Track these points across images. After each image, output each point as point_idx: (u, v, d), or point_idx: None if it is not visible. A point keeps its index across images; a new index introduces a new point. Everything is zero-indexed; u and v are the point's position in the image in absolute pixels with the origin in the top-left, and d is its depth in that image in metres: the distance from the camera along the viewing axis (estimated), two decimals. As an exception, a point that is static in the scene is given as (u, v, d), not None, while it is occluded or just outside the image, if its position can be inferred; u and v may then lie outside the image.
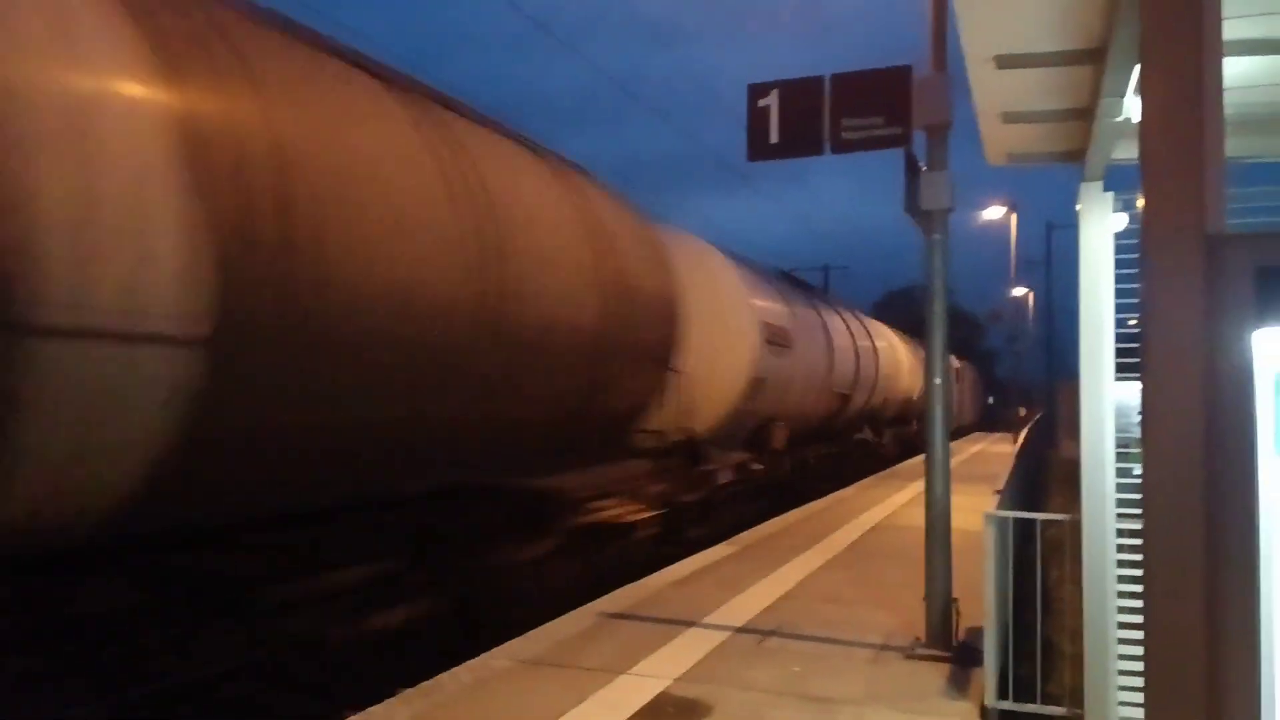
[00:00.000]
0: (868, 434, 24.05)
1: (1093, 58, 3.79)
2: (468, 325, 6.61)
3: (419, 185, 6.31)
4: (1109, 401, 4.80)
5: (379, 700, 5.45)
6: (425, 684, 5.71)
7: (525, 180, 7.94)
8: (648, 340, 9.65)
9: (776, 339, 14.68)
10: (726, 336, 13.35)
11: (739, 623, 7.39)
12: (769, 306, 15.07)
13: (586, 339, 8.32)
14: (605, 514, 9.98)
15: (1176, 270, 2.12)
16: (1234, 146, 4.09)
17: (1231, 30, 3.05)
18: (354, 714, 5.25)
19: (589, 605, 7.83)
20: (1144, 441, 2.22)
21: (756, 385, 13.86)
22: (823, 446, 19.72)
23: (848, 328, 21.09)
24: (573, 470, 9.34)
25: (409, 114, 6.69)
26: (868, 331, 23.65)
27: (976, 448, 33.23)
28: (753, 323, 13.87)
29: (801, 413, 17.00)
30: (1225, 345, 2.06)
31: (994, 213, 35.70)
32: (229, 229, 4.90)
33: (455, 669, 6.00)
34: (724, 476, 13.25)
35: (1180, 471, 2.14)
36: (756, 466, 14.73)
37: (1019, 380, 44.34)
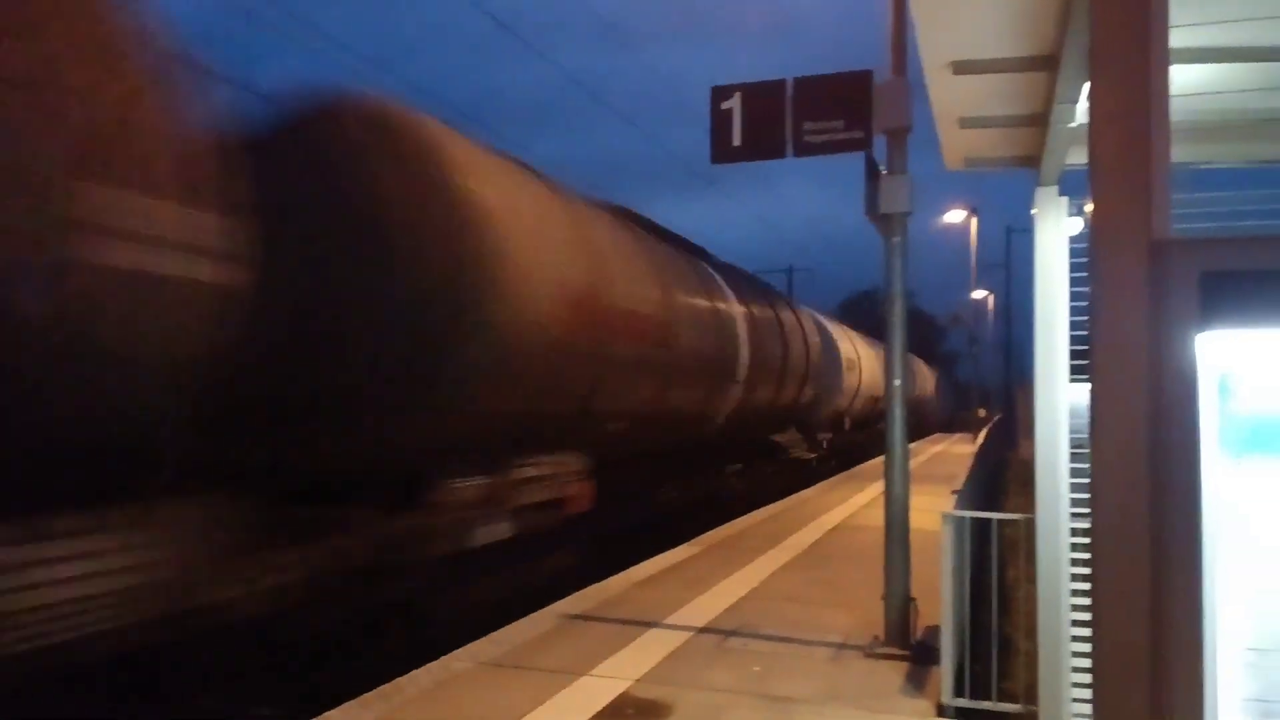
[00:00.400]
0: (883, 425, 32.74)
1: (1047, 64, 3.85)
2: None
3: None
4: (1063, 403, 4.86)
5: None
6: (384, 687, 5.68)
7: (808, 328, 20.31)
8: (830, 384, 22.20)
9: (848, 366, 25.54)
10: (836, 369, 24.08)
11: (700, 623, 7.42)
12: (846, 340, 26.42)
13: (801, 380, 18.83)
14: (794, 454, 21.01)
15: (1123, 274, 2.16)
16: (1182, 153, 4.17)
17: (1179, 39, 3.11)
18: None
19: (550, 607, 7.82)
20: (1091, 443, 2.25)
21: (838, 394, 24.43)
22: (862, 433, 29.24)
23: (871, 348, 30.80)
24: (780, 431, 19.84)
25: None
26: (876, 346, 32.94)
27: (937, 448, 33.56)
28: (841, 358, 24.83)
29: (856, 410, 27.47)
30: (1170, 349, 2.10)
31: (955, 216, 36.08)
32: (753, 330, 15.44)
33: (414, 672, 5.97)
34: (825, 443, 23.96)
35: (1126, 472, 2.17)
36: (835, 440, 25.57)
37: (979, 382, 44.86)
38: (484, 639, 6.80)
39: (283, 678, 6.45)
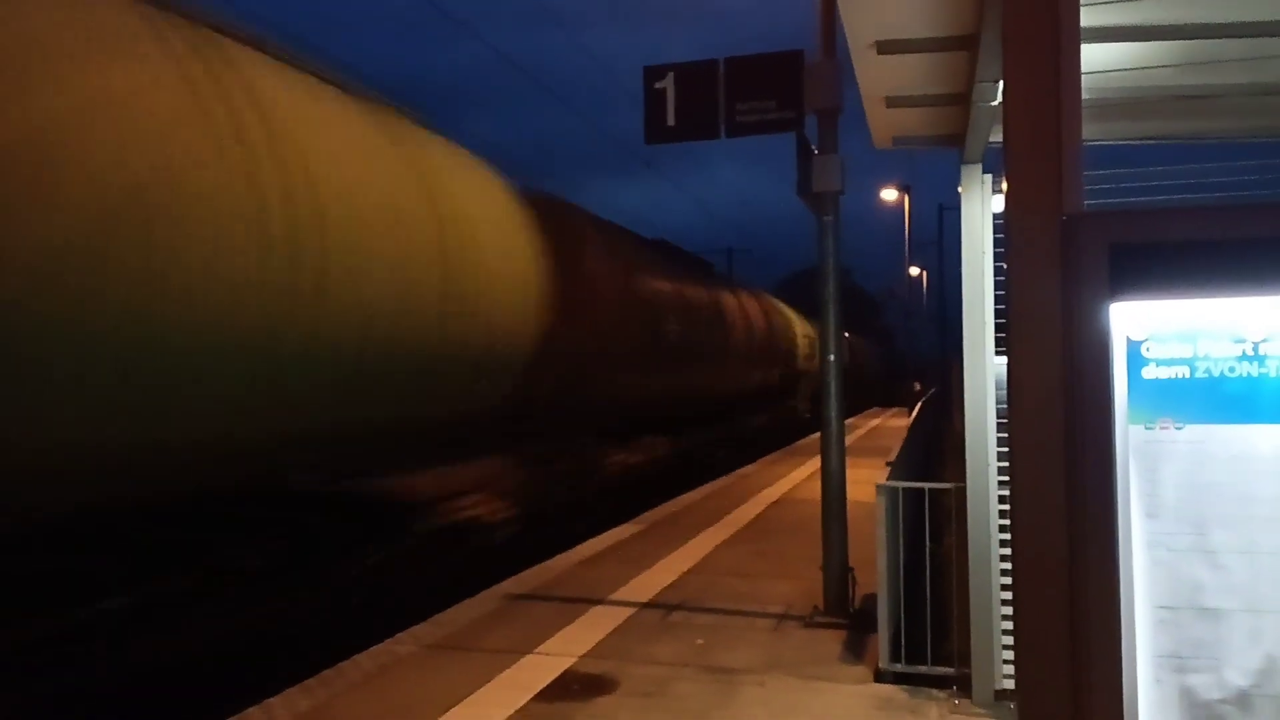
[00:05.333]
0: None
1: (967, 44, 3.93)
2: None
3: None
4: (990, 374, 5.01)
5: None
6: (326, 672, 5.65)
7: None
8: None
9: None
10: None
11: (644, 599, 7.49)
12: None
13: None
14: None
15: (1036, 247, 2.24)
16: (1094, 131, 4.30)
17: (1091, 17, 3.20)
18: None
19: (494, 588, 7.84)
20: (1009, 412, 2.34)
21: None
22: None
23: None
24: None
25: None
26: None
27: (874, 422, 34.08)
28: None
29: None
30: (1082, 319, 2.18)
31: (890, 194, 36.57)
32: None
33: (357, 656, 5.95)
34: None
35: (1043, 438, 2.26)
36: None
37: (914, 356, 45.63)
38: (427, 621, 6.79)
39: (222, 664, 6.38)
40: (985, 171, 4.96)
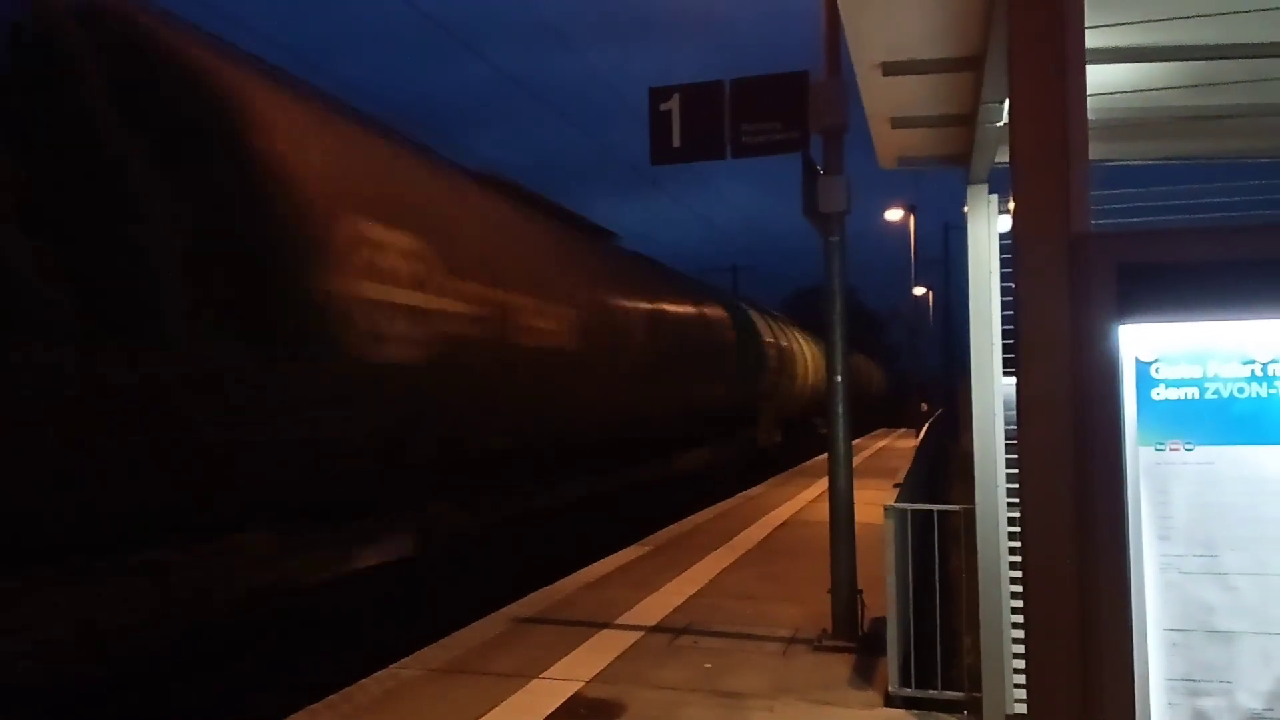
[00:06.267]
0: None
1: (972, 65, 3.94)
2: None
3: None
4: (998, 395, 4.99)
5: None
6: (331, 697, 5.62)
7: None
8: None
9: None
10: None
11: (651, 622, 7.45)
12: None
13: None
14: None
15: (1044, 268, 2.23)
16: (1100, 151, 4.30)
17: (1098, 39, 3.21)
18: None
19: (501, 611, 7.80)
20: (1019, 433, 2.32)
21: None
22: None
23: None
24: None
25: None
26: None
27: (881, 443, 33.98)
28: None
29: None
30: (1091, 340, 2.17)
31: (895, 214, 36.62)
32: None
33: (363, 680, 5.92)
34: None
35: (1052, 460, 2.24)
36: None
37: (919, 374, 45.58)
38: (434, 644, 6.76)
39: (225, 690, 6.36)
40: (991, 192, 4.96)
